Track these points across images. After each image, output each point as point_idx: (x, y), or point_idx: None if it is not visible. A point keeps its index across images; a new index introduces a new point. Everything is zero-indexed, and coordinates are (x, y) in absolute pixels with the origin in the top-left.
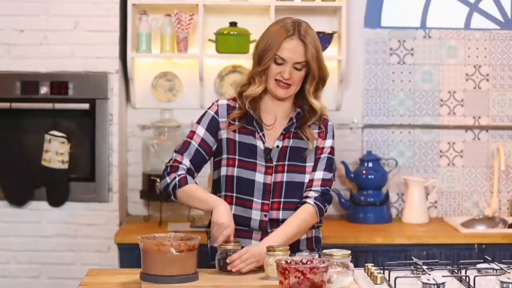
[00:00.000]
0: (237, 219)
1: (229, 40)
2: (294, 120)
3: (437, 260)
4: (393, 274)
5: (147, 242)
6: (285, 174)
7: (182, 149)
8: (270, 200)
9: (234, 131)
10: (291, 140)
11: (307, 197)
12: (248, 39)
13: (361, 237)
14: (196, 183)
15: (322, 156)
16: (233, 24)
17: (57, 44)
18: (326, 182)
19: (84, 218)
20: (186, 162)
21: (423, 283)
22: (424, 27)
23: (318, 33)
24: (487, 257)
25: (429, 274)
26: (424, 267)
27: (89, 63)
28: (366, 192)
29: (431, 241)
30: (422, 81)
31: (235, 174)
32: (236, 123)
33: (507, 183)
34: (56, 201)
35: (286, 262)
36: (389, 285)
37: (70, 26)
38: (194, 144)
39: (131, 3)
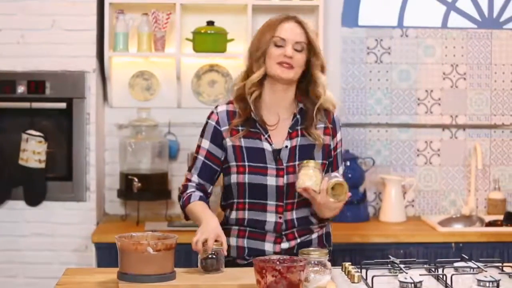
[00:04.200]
0: (251, 223)
1: (206, 39)
2: (298, 117)
3: (415, 259)
4: (371, 273)
5: (124, 242)
6: (296, 175)
7: (190, 166)
8: (284, 201)
9: (239, 137)
10: (298, 139)
11: None
12: (225, 38)
13: (339, 236)
14: (205, 197)
15: (338, 151)
16: (210, 23)
17: (34, 43)
18: (344, 174)
19: (61, 217)
20: (195, 178)
21: (400, 281)
22: (401, 26)
23: None
24: (464, 255)
25: (406, 273)
26: (402, 265)
27: (66, 62)
28: None
29: (408, 240)
30: (399, 80)
31: (246, 181)
32: (239, 129)
33: (484, 182)
34: (33, 200)
35: (263, 261)
36: (366, 284)
37: (47, 25)
38: (201, 158)
39: (108, 2)
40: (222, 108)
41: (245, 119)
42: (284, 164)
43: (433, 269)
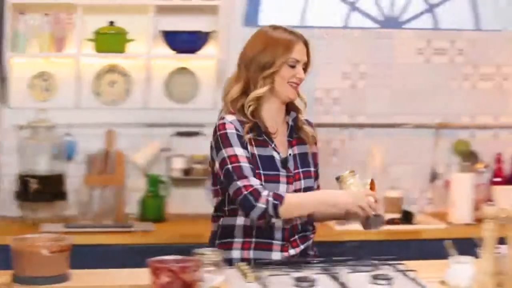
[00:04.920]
0: (259, 231)
1: (107, 39)
2: (292, 123)
3: (311, 258)
4: (265, 272)
5: (19, 243)
6: (302, 181)
7: (242, 175)
8: None
9: (252, 145)
10: (296, 147)
11: None
12: (125, 38)
13: None
14: None
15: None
16: (111, 24)
17: None
18: None
19: None
20: (254, 179)
21: (295, 280)
22: (303, 25)
23: (195, 32)
24: (360, 254)
25: (302, 272)
26: (297, 264)
27: None
28: None
29: None
30: None
31: None
32: (251, 137)
33: (382, 181)
34: None
35: (157, 261)
36: (260, 283)
37: None
38: (245, 164)
39: (10, 2)
40: (231, 117)
41: (253, 126)
42: (293, 172)
43: (329, 268)
